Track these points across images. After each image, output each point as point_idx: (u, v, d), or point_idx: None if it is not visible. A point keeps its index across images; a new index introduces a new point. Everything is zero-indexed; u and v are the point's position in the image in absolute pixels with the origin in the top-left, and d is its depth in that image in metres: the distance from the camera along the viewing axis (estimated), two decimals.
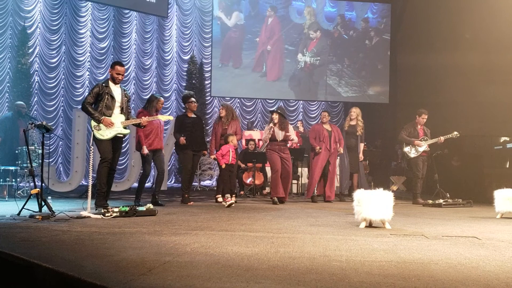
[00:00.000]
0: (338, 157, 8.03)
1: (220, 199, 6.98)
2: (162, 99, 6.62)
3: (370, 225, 4.31)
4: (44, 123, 5.16)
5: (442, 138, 7.69)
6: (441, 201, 7.05)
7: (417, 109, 7.98)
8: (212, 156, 7.07)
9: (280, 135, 7.05)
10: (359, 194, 4.31)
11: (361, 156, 8.08)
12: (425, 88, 11.71)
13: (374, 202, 4.18)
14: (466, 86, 10.86)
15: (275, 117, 7.08)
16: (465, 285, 2.28)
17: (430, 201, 7.18)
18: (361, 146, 8.10)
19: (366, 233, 3.90)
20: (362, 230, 4.13)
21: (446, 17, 11.20)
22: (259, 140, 9.73)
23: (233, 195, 6.92)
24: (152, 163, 6.56)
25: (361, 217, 4.26)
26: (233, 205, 6.33)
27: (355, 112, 8.09)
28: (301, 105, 14.15)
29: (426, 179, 8.02)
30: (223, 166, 6.75)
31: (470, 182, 8.46)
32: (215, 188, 7.71)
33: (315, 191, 7.61)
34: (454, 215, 5.71)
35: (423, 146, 7.71)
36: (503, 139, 8.90)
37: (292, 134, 7.25)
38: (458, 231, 4.16)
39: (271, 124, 7.08)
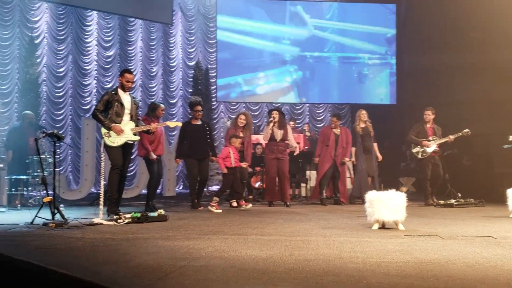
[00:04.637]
0: (353, 160, 7.96)
1: (234, 204, 6.95)
2: (162, 105, 6.67)
3: (383, 226, 4.29)
4: (55, 131, 5.21)
5: (451, 137, 7.51)
6: (452, 201, 6.98)
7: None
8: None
9: (279, 134, 7.03)
10: (371, 196, 4.29)
11: (379, 156, 7.93)
12: (433, 88, 11.65)
13: (386, 203, 4.16)
14: (474, 84, 10.80)
15: (275, 115, 7.04)
16: (485, 284, 2.26)
17: (442, 201, 7.11)
18: (375, 146, 7.97)
19: (380, 235, 3.88)
20: (375, 231, 4.11)
21: (453, 15, 11.15)
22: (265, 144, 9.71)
23: (241, 200, 6.89)
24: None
25: (374, 219, 4.23)
26: (248, 208, 6.30)
27: (365, 114, 7.98)
28: (308, 108, 14.13)
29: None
30: (224, 170, 6.74)
31: (481, 182, 8.37)
32: (225, 194, 7.66)
33: (324, 193, 7.56)
34: (467, 215, 5.67)
35: (432, 146, 7.57)
36: (511, 137, 8.79)
37: (291, 138, 7.23)
38: (473, 231, 4.12)
39: (270, 119, 7.04)
